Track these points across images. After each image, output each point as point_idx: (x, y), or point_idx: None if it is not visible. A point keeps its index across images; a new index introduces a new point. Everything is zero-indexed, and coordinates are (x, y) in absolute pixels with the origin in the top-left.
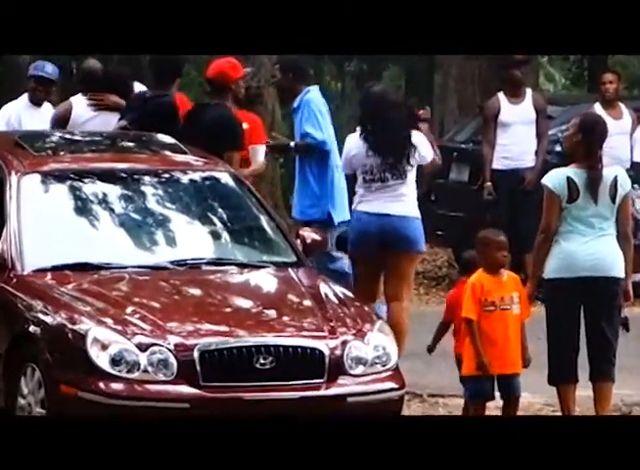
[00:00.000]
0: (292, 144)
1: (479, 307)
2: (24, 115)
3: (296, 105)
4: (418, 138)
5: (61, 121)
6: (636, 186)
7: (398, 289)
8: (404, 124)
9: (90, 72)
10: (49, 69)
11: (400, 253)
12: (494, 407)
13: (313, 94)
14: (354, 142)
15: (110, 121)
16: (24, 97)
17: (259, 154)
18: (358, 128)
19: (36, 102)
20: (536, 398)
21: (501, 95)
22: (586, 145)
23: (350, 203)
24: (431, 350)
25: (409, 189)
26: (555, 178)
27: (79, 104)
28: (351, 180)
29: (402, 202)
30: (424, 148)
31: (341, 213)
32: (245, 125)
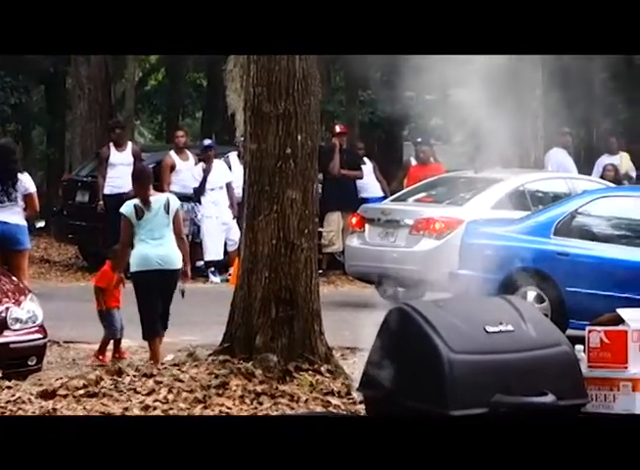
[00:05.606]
0: None
1: None
2: None
3: None
4: (24, 177)
5: None
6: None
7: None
8: (14, 167)
9: None
10: None
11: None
12: None
13: None
14: None
15: None
16: None
17: None
18: None
19: None
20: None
21: (112, 145)
22: (140, 185)
23: None
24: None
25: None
26: (127, 207)
27: None
28: None
29: (17, 215)
30: (29, 183)
31: None
32: None
